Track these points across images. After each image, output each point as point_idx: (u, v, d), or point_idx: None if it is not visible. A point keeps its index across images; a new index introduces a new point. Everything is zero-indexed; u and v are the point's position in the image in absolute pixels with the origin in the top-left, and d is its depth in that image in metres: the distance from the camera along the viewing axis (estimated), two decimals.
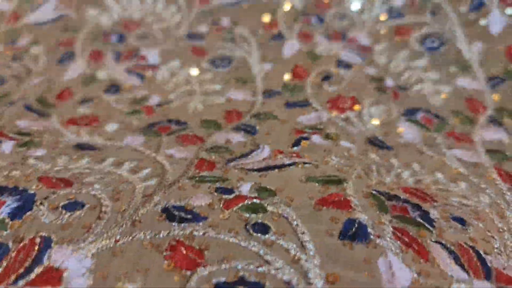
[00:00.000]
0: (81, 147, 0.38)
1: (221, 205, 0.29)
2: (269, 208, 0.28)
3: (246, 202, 0.29)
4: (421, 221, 0.30)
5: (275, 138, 0.40)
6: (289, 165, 0.34)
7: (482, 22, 0.53)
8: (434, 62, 0.51)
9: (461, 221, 0.31)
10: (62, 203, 0.28)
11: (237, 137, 0.40)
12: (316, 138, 0.40)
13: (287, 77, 0.49)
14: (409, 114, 0.44)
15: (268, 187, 0.31)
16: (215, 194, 0.30)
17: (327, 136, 0.40)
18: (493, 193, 0.35)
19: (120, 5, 0.60)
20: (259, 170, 0.34)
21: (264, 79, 0.49)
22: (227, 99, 0.47)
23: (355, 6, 0.55)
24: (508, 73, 0.49)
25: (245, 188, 0.31)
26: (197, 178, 0.32)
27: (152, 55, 0.53)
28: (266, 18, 0.57)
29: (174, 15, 0.58)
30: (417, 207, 0.31)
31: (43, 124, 0.42)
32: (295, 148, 0.39)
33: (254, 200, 0.29)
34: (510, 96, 0.47)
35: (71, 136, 0.40)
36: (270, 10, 0.58)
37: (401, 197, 0.32)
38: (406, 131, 0.42)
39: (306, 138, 0.40)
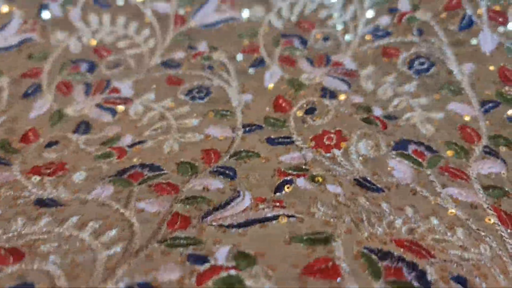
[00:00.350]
0: (43, 203, 0.34)
1: (193, 280, 0.25)
2: (247, 283, 0.25)
3: (221, 274, 0.26)
4: (418, 285, 0.27)
5: (257, 182, 0.37)
6: (272, 218, 0.31)
7: (473, 41, 0.50)
8: (424, 86, 0.48)
9: (463, 281, 0.28)
10: (7, 285, 0.25)
11: (215, 183, 0.37)
12: (300, 182, 0.37)
13: (268, 109, 0.46)
14: (400, 147, 0.41)
15: (247, 252, 0.28)
16: (187, 264, 0.27)
17: (313, 179, 0.37)
18: (494, 241, 0.32)
19: (90, 28, 0.56)
20: (238, 226, 0.31)
21: (244, 112, 0.46)
22: (205, 136, 0.43)
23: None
24: (501, 95, 0.46)
25: (221, 255, 0.28)
26: (168, 242, 0.29)
27: (125, 87, 0.50)
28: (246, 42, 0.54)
29: (148, 40, 0.55)
30: (412, 266, 0.28)
31: (2, 175, 0.39)
32: (278, 194, 0.35)
33: (231, 272, 0.26)
34: (505, 121, 0.44)
35: (33, 190, 0.37)
36: (251, 31, 0.55)
37: (395, 253, 0.29)
38: (397, 168, 0.39)
39: (290, 182, 0.37)
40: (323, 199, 0.34)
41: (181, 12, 0.57)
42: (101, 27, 0.55)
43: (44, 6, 0.56)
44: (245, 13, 0.56)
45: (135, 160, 0.41)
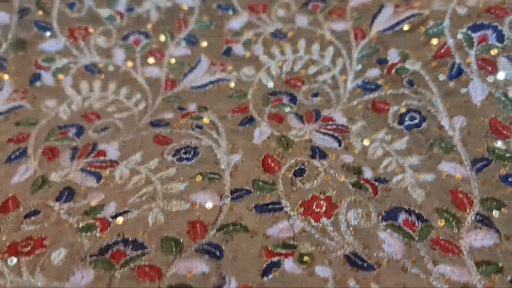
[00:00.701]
0: None
1: None
2: None
3: None
4: None
5: (243, 264, 0.36)
6: None
7: (463, 90, 0.49)
8: (415, 143, 0.47)
9: None
10: None
11: (200, 266, 0.36)
12: (288, 264, 0.36)
13: (257, 170, 0.45)
14: (390, 217, 0.40)
15: None
16: None
17: (301, 259, 0.36)
18: None
19: (81, 95, 0.55)
20: None
21: (233, 174, 0.45)
22: (192, 204, 0.42)
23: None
24: (493, 152, 0.45)
25: None
26: None
27: (112, 149, 0.48)
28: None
29: (139, 103, 0.54)
30: None
31: None
32: (265, 278, 0.34)
33: None
34: (498, 181, 0.43)
35: (9, 277, 0.35)
36: (240, 91, 0.54)
37: None
38: (387, 242, 0.38)
39: (277, 265, 0.35)
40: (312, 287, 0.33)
41: (172, 76, 0.56)
42: (92, 93, 0.55)
43: (37, 76, 0.55)
44: (235, 74, 0.55)
45: (118, 234, 0.39)
